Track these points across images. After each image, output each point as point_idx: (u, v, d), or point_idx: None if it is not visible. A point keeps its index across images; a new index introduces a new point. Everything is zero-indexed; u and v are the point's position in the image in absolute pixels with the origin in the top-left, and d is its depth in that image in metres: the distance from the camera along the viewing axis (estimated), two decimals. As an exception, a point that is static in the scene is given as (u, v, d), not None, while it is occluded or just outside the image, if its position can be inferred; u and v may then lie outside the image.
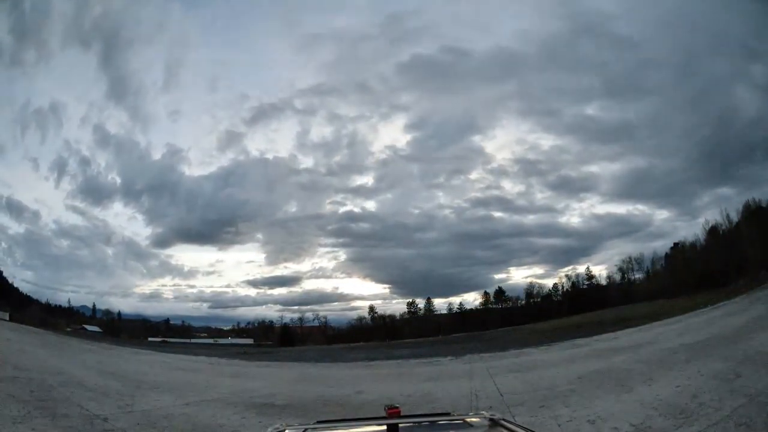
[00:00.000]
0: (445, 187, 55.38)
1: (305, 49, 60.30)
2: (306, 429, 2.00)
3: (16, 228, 49.88)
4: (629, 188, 47.37)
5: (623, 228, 47.38)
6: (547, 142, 50.42)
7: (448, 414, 2.23)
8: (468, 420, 2.12)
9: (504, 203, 51.23)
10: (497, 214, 51.73)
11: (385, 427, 1.94)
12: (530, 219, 51.20)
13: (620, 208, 51.20)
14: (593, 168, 49.54)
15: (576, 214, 53.90)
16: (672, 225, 44.45)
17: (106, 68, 53.27)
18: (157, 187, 53.77)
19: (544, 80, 47.33)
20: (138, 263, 55.41)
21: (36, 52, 50.36)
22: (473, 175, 54.97)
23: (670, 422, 6.61)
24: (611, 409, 7.76)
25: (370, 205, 55.87)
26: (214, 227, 52.83)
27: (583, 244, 49.94)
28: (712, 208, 37.96)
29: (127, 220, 64.89)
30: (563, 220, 50.25)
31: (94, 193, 52.57)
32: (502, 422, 1.99)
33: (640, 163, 46.46)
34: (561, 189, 50.80)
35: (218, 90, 65.46)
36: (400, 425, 1.97)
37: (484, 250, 53.09)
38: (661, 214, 47.74)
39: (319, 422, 2.16)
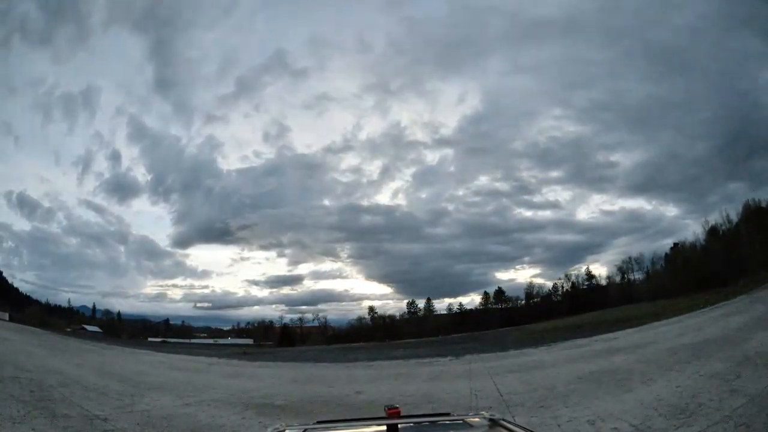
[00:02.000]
0: (457, 178, 53.59)
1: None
2: (306, 429, 2.00)
3: (24, 226, 48.41)
4: (645, 180, 45.42)
5: (635, 224, 46.61)
6: (567, 128, 47.27)
7: (447, 414, 2.23)
8: (468, 420, 2.12)
9: (518, 195, 50.03)
10: (509, 207, 50.32)
11: (385, 428, 1.94)
12: (543, 214, 50.26)
13: (633, 203, 50.02)
14: (612, 156, 47.23)
15: (589, 209, 53.06)
16: (683, 223, 43.78)
17: (155, 54, 48.69)
18: (186, 185, 51.52)
19: (567, 50, 44.58)
20: (149, 263, 53.92)
21: (74, 31, 44.73)
22: (486, 165, 53.17)
23: (670, 422, 6.61)
24: (611, 409, 7.75)
25: (384, 200, 54.75)
26: (233, 226, 51.09)
27: (595, 241, 49.26)
28: (726, 204, 36.85)
29: (146, 218, 62.80)
30: (576, 215, 49.25)
31: (120, 189, 49.71)
32: (502, 422, 1.99)
33: (660, 152, 44.23)
34: (577, 180, 49.31)
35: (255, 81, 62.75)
36: (399, 425, 1.97)
37: (497, 245, 52.01)
38: (673, 211, 47.00)
39: (319, 422, 2.16)
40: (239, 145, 72.18)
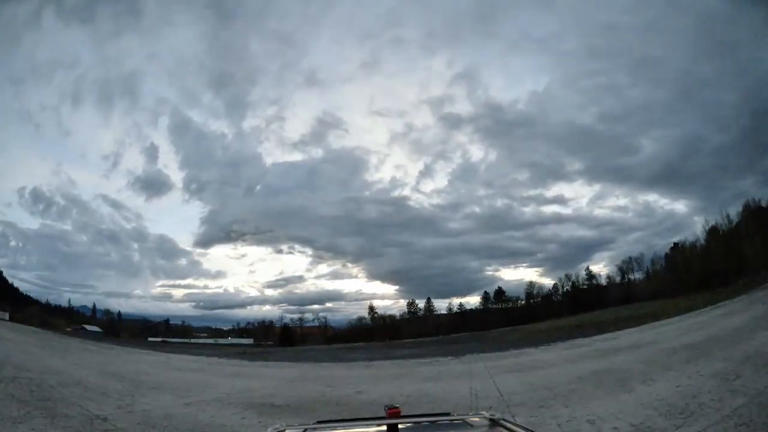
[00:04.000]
0: (469, 167, 52.53)
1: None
2: (306, 429, 2.00)
3: (33, 224, 46.98)
4: (662, 172, 44.21)
5: (646, 220, 45.91)
6: (585, 112, 45.41)
7: (448, 414, 2.22)
8: (468, 420, 2.11)
9: (532, 187, 49.12)
10: (523, 201, 49.66)
11: (385, 428, 1.93)
12: (556, 209, 49.64)
13: (647, 198, 48.67)
14: (633, 140, 45.43)
15: (603, 204, 52.38)
16: (694, 220, 43.14)
17: (212, 45, 45.05)
18: (214, 182, 50.06)
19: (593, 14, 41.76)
20: (163, 262, 52.61)
21: (121, 12, 40.34)
22: (499, 149, 51.23)
23: (670, 422, 6.61)
24: (611, 409, 7.75)
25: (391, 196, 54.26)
26: (247, 226, 50.14)
27: (606, 237, 48.44)
28: (739, 200, 35.78)
29: (165, 216, 61.35)
30: (590, 210, 48.45)
31: (147, 186, 48.33)
32: (502, 422, 1.99)
33: (681, 138, 42.53)
34: (594, 172, 47.76)
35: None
36: (400, 425, 1.97)
37: (512, 240, 51.06)
38: (686, 208, 46.01)
39: (319, 422, 2.16)
40: (262, 144, 69.65)
